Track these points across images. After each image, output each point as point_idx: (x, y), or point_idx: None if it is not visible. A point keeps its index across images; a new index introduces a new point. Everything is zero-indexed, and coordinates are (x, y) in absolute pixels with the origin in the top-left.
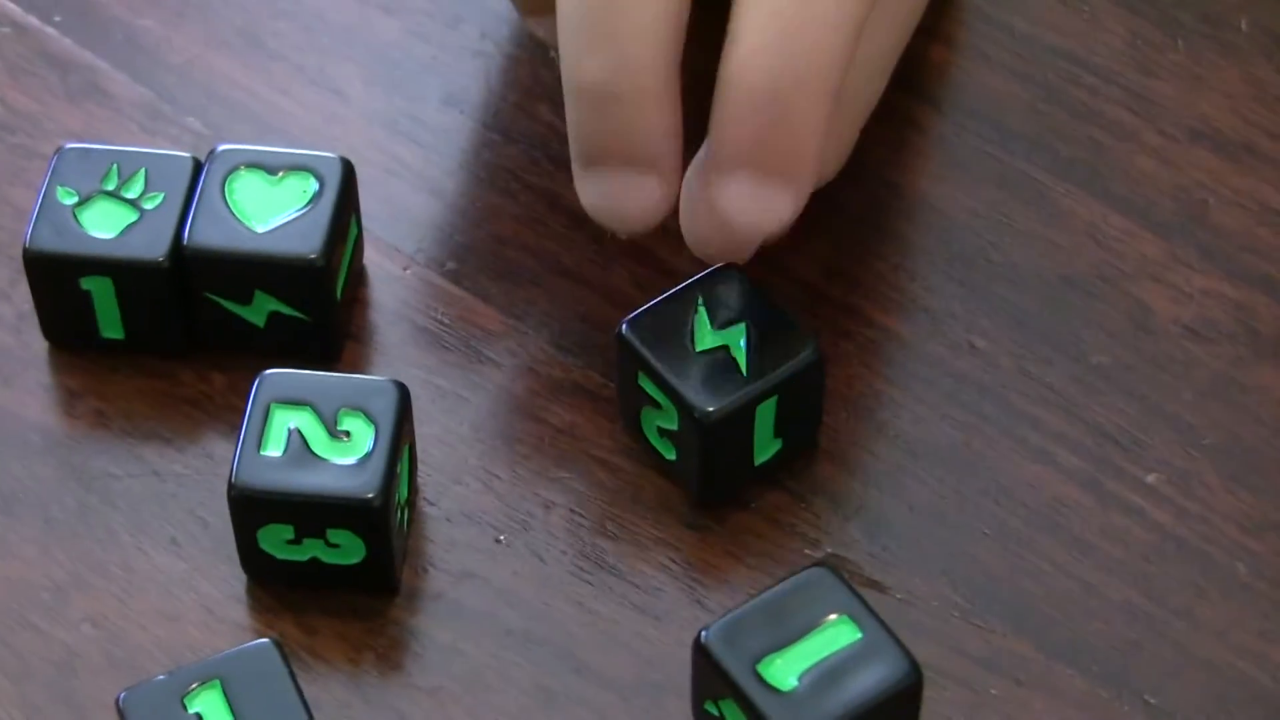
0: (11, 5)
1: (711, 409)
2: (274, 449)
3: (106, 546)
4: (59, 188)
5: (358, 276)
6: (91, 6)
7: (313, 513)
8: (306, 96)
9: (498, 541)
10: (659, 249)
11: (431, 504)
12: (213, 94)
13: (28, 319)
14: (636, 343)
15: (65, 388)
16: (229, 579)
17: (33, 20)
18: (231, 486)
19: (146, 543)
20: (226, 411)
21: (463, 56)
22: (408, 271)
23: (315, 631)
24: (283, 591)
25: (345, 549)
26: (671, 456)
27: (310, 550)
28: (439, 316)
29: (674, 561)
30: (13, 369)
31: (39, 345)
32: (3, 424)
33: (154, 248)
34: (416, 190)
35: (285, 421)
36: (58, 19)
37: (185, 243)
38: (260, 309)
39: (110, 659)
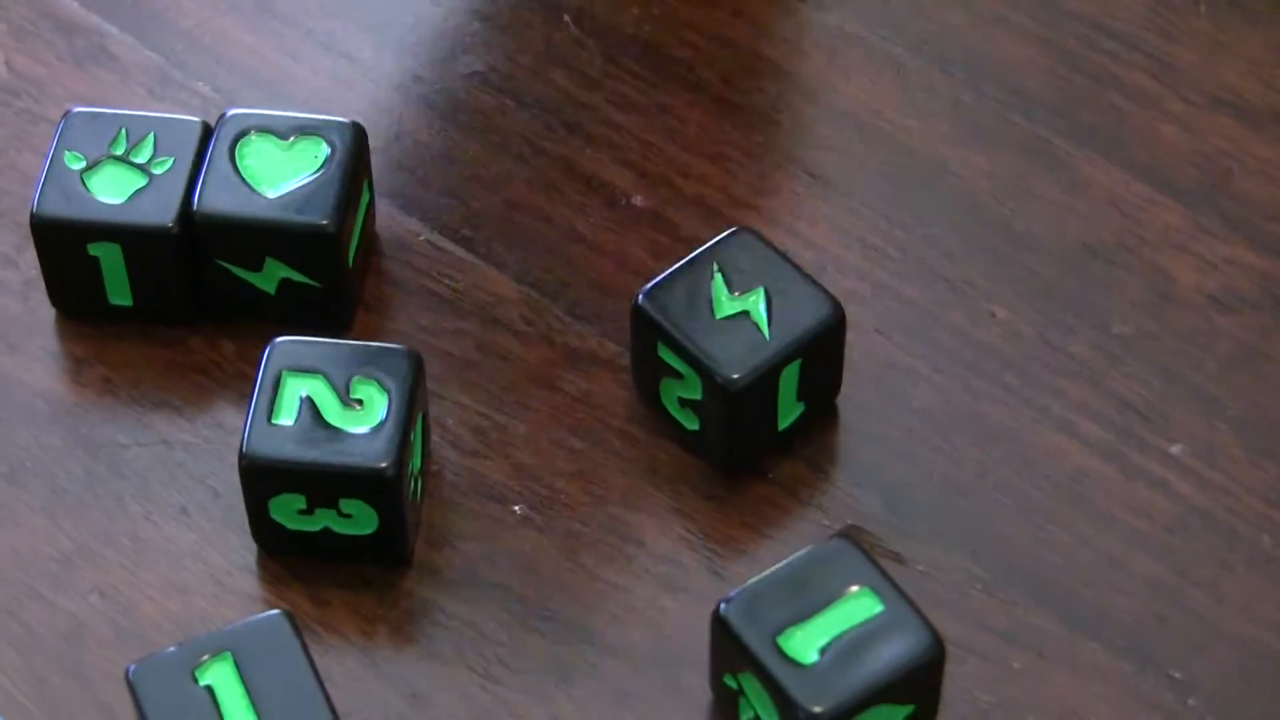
0: None
1: (736, 376)
2: (285, 418)
3: (114, 516)
4: (66, 153)
5: (370, 243)
6: None
7: (325, 483)
8: (317, 61)
9: (513, 512)
10: (674, 215)
11: (445, 474)
12: (221, 58)
13: (34, 285)
14: (654, 313)
15: (73, 355)
16: (239, 550)
17: None
18: (242, 456)
19: (155, 513)
20: (237, 380)
21: (474, 20)
22: (421, 238)
23: (327, 603)
24: (294, 562)
25: (358, 519)
26: (693, 426)
27: (322, 521)
28: (453, 284)
29: (691, 533)
30: (19, 336)
31: (46, 312)
32: (9, 392)
33: (163, 213)
34: (429, 156)
35: (297, 390)
36: None
37: (195, 208)
38: (271, 276)
39: (118, 630)
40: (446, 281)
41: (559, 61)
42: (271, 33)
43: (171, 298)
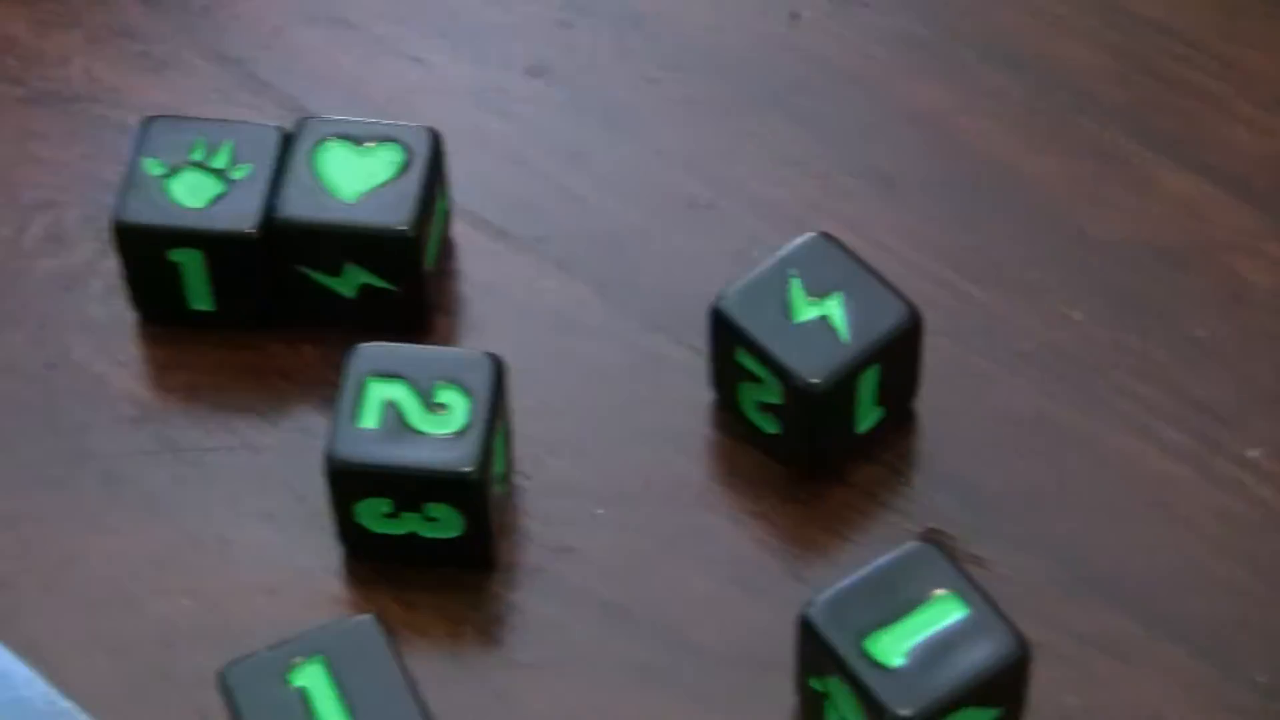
0: None
1: (816, 380)
2: (370, 422)
3: (202, 519)
4: (146, 159)
5: (446, 248)
6: None
7: (410, 486)
8: (390, 67)
9: (595, 515)
10: (749, 220)
11: (527, 477)
12: (296, 65)
13: (115, 291)
14: (733, 317)
15: (155, 360)
16: (325, 553)
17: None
18: (329, 460)
19: (242, 516)
20: (318, 384)
21: (546, 26)
22: (496, 243)
23: (414, 606)
24: (380, 565)
25: (443, 523)
26: (773, 430)
27: (408, 524)
28: (528, 287)
29: (771, 536)
30: (103, 342)
31: (128, 318)
32: (96, 398)
33: (244, 219)
34: (504, 161)
35: (380, 394)
36: None
37: (275, 214)
38: (350, 281)
39: (208, 633)
40: (523, 286)
41: (626, 66)
42: (344, 40)
43: (252, 303)
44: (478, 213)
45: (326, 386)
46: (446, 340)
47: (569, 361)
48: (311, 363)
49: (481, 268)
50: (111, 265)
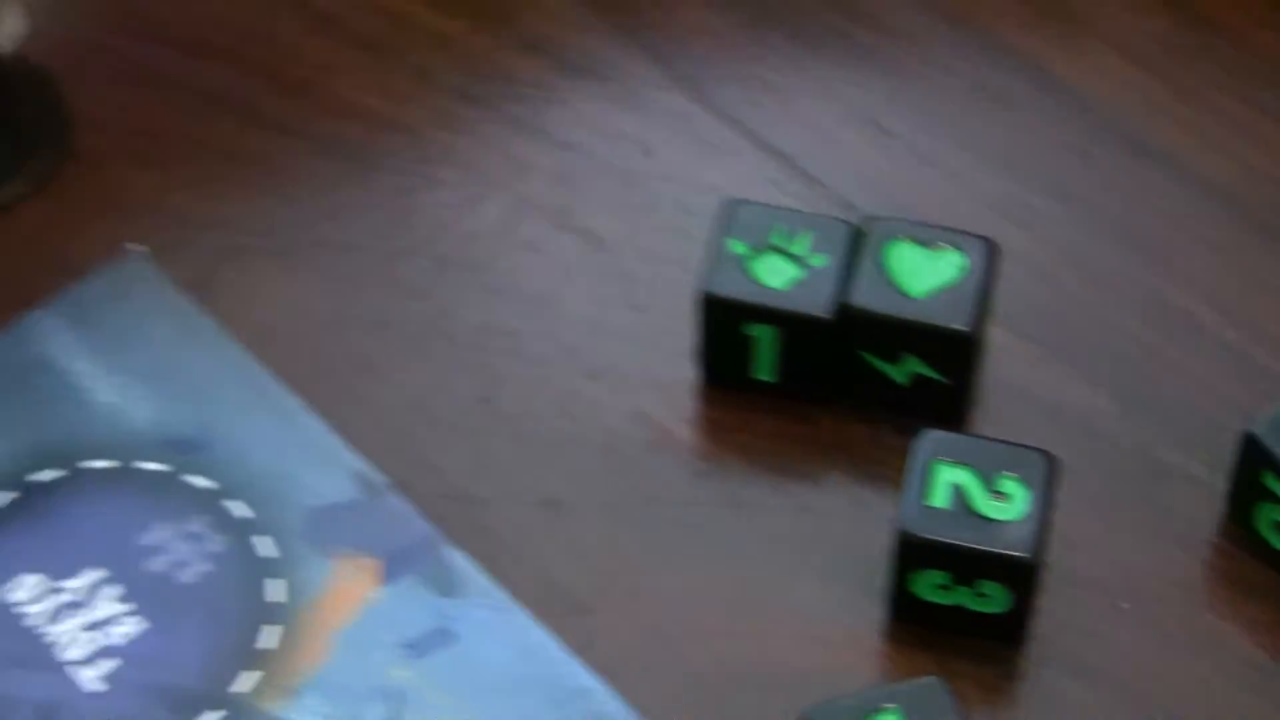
0: (650, 71)
1: None
2: (938, 501)
3: (761, 569)
4: (729, 239)
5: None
6: (731, 76)
7: (970, 564)
8: (924, 174)
9: (1118, 606)
10: (1258, 352)
11: (1056, 564)
12: (837, 162)
13: (685, 355)
14: (1267, 443)
15: (718, 421)
16: (870, 612)
17: (675, 91)
18: (900, 533)
19: (797, 571)
20: (865, 459)
21: (1066, 152)
22: (1023, 348)
23: (955, 673)
24: (918, 629)
25: (991, 599)
26: None
27: (958, 597)
28: (1051, 392)
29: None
30: (673, 399)
31: (694, 379)
32: (664, 449)
33: (819, 304)
34: (1028, 271)
35: (948, 478)
36: (687, 80)
37: (847, 302)
38: (905, 369)
39: (769, 674)
40: (1046, 389)
41: (1145, 193)
42: (883, 146)
43: (813, 379)
44: (1007, 316)
45: (875, 464)
46: (979, 431)
47: (1086, 463)
48: (859, 439)
49: (1008, 368)
50: (682, 329)
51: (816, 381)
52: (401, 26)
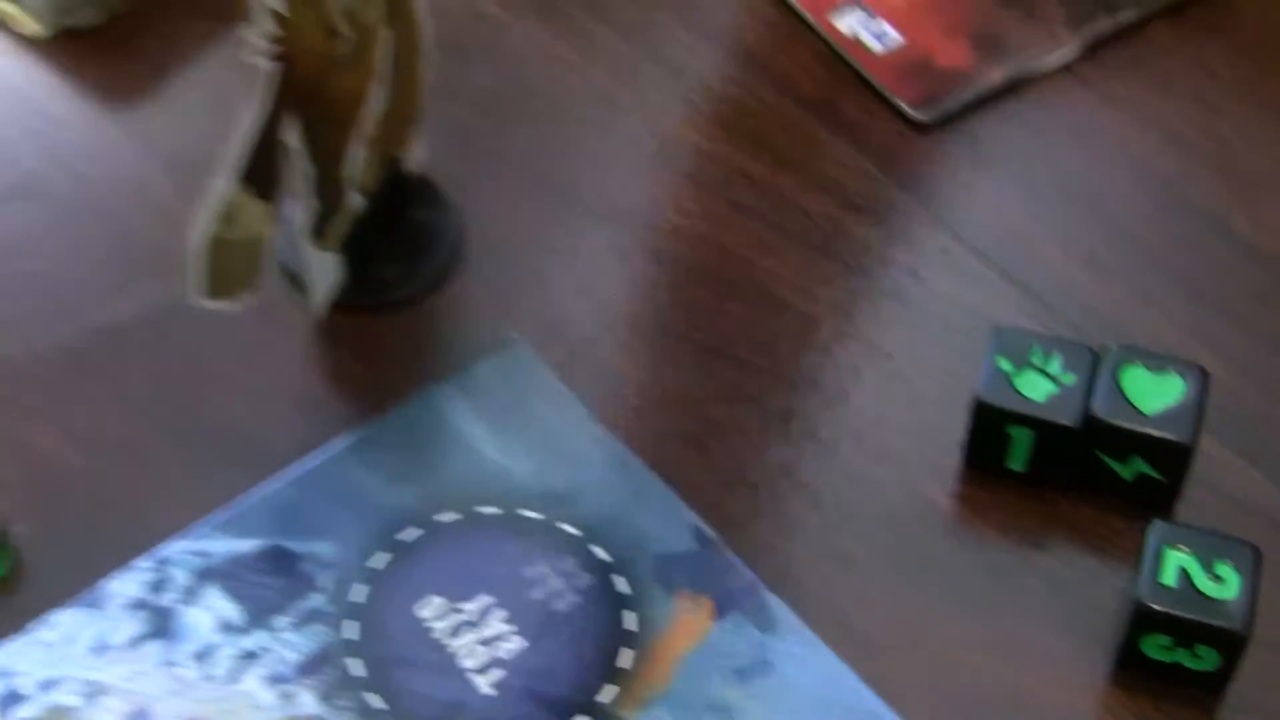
0: (917, 209)
1: None
2: (1168, 580)
3: (1012, 622)
4: (998, 357)
5: None
6: (980, 222)
7: (1193, 632)
8: (1135, 305)
9: None
10: None
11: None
12: (1067, 292)
13: (952, 445)
14: None
15: (978, 500)
16: (1098, 661)
17: (937, 230)
18: (1137, 604)
19: (1040, 624)
20: (1096, 538)
21: (1245, 293)
22: (1221, 451)
23: (1166, 714)
24: (1140, 679)
25: (1204, 659)
26: None
27: (1177, 656)
28: (1237, 490)
29: None
30: (942, 480)
31: (959, 465)
32: (935, 520)
33: (1070, 415)
34: (1222, 392)
35: (1174, 560)
36: (947, 222)
37: (1091, 414)
38: (1132, 468)
39: (1019, 707)
40: (1241, 489)
41: None
42: (1104, 279)
43: (1055, 471)
44: (1212, 427)
45: (1100, 540)
46: (1181, 521)
47: (1276, 553)
48: (1089, 520)
49: (1210, 470)
50: (948, 424)
51: (1058, 473)
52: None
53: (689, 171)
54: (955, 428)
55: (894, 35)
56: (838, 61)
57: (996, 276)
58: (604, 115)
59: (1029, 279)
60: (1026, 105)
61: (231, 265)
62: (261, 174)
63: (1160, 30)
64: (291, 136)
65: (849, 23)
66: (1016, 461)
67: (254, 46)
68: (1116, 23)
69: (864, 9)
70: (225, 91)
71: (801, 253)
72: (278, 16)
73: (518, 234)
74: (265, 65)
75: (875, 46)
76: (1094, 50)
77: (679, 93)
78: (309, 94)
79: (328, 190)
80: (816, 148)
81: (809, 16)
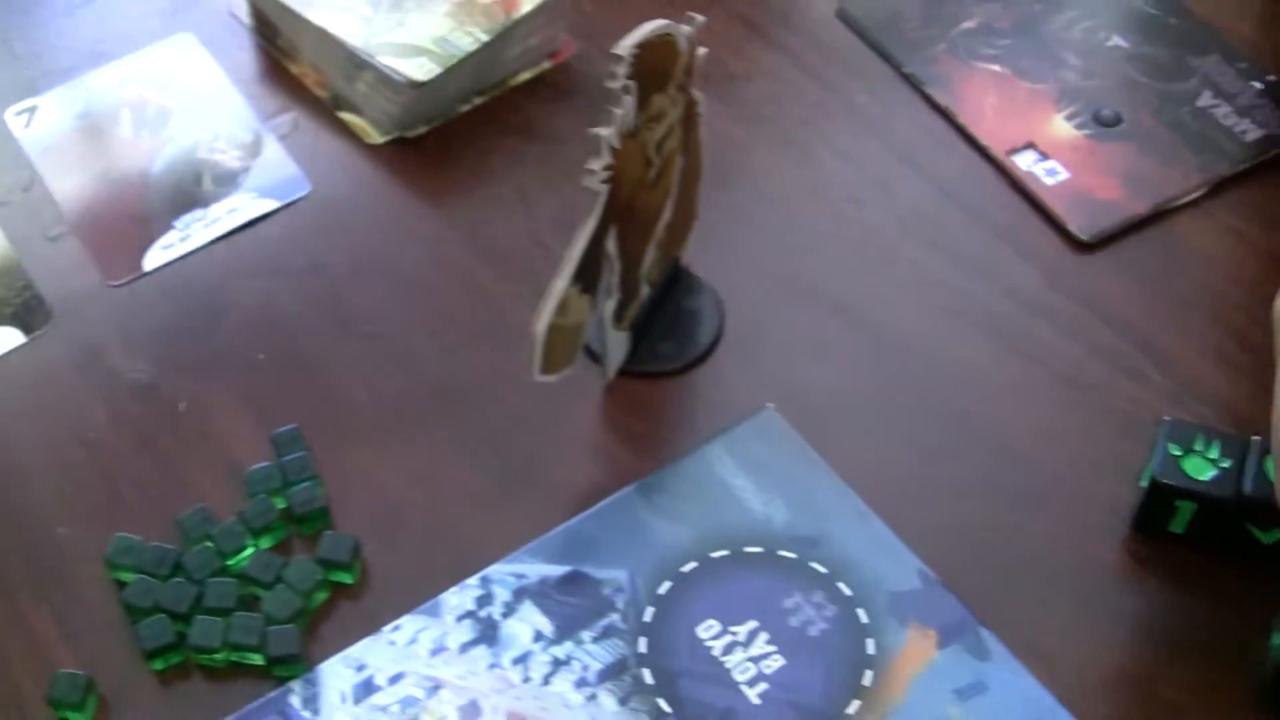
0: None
1: None
2: None
3: (1170, 654)
4: (1168, 443)
5: None
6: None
7: None
8: (1258, 397)
9: None
10: None
11: None
12: (1212, 390)
13: (1122, 515)
14: None
15: (1143, 556)
16: (1233, 690)
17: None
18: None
19: (1187, 657)
20: (1238, 592)
21: None
22: None
23: None
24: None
25: None
26: None
27: None
28: None
29: None
30: (1113, 538)
31: (1127, 529)
32: (1110, 574)
33: (1225, 490)
34: None
35: None
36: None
37: (1242, 491)
38: (1272, 536)
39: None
40: None
41: None
42: (1236, 377)
43: (1209, 535)
44: None
45: (1242, 594)
46: None
47: None
48: (1234, 576)
49: None
50: (1119, 495)
51: (1211, 537)
52: None
53: (902, 278)
54: (1123, 496)
55: (1063, 172)
56: (1017, 192)
57: (1145, 366)
58: (832, 227)
59: (1164, 367)
60: (1165, 231)
61: (561, 347)
62: (588, 273)
63: (1271, 173)
64: (610, 243)
65: (1026, 161)
66: (1178, 526)
67: (593, 174)
68: (1234, 168)
69: (1037, 151)
70: (528, 194)
71: (995, 344)
72: (613, 150)
73: (768, 319)
74: (599, 188)
75: (1047, 180)
76: (1217, 190)
77: (893, 212)
78: (625, 209)
79: (628, 284)
80: (1003, 260)
81: (996, 154)
